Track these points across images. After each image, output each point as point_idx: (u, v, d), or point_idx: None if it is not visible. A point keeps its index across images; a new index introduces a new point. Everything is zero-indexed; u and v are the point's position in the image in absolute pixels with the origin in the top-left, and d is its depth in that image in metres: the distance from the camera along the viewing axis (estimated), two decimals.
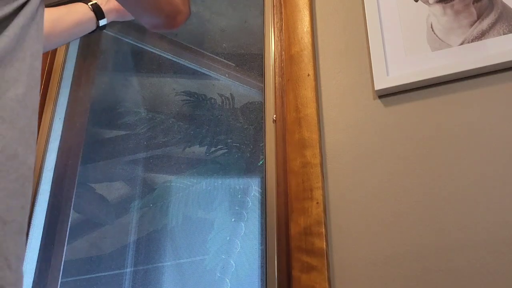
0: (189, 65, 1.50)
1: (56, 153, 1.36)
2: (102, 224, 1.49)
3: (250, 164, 1.35)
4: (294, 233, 0.89)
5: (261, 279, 1.10)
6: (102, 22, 1.16)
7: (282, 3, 1.13)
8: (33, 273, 1.22)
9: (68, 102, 1.42)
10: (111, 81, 1.59)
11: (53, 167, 1.34)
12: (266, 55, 1.17)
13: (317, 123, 0.96)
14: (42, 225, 1.27)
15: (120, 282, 1.33)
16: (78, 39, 1.49)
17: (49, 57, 1.42)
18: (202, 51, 1.49)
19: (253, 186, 1.33)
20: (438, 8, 0.95)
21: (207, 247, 1.32)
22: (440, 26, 0.94)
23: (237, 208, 1.33)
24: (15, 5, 0.59)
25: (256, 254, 1.20)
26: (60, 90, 1.41)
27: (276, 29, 1.17)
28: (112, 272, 1.36)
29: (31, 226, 1.24)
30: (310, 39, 1.05)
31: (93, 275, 1.36)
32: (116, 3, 1.15)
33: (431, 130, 0.87)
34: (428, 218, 0.82)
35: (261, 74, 1.17)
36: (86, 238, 1.45)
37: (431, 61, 0.91)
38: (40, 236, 1.26)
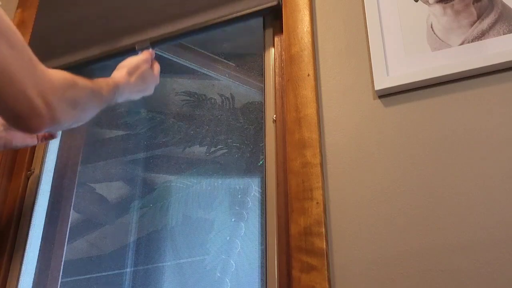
0: (189, 65, 1.50)
1: (56, 153, 1.36)
2: (102, 224, 1.49)
3: (250, 164, 1.35)
4: (294, 233, 0.89)
5: (261, 279, 1.10)
6: None
7: (282, 3, 1.13)
8: (33, 273, 1.22)
9: None
10: None
11: (53, 167, 1.34)
12: (266, 55, 1.17)
13: (317, 123, 0.96)
14: (42, 225, 1.27)
15: (120, 282, 1.34)
16: None
17: None
18: (202, 51, 1.49)
19: (253, 186, 1.33)
20: (438, 8, 0.95)
21: (207, 247, 1.32)
22: (440, 26, 0.94)
23: (237, 208, 1.33)
24: None
25: (256, 254, 1.20)
26: None
27: (276, 29, 1.17)
28: (112, 272, 1.36)
29: (31, 226, 1.24)
30: (310, 39, 1.05)
31: (93, 275, 1.36)
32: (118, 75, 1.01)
33: (431, 130, 0.87)
34: (428, 218, 0.82)
35: (261, 74, 1.17)
36: (86, 238, 1.45)
37: (431, 61, 0.91)
38: (40, 236, 1.26)
